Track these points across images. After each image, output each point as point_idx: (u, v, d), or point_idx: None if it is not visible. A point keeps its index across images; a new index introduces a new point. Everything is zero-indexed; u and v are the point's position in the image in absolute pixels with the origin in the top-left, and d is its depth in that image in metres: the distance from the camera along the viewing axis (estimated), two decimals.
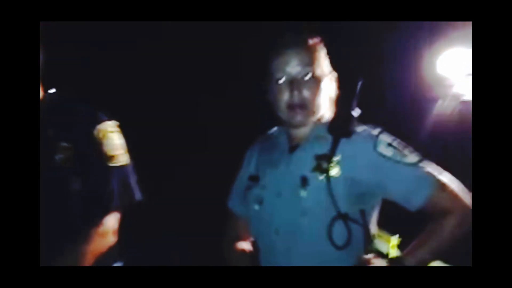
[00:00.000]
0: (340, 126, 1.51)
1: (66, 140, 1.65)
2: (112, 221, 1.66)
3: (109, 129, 1.71)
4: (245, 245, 1.62)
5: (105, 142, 1.68)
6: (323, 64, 1.55)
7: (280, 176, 1.52)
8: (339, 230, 1.43)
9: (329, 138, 1.50)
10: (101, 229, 1.62)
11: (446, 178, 1.47)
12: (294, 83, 1.50)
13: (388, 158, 1.45)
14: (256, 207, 1.54)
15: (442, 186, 1.45)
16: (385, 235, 1.51)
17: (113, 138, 1.70)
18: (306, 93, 1.50)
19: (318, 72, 1.52)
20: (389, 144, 1.48)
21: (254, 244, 1.57)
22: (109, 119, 1.73)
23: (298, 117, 1.51)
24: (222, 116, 4.49)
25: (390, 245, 1.48)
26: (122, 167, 1.71)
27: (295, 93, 1.49)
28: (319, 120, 1.55)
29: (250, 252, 1.56)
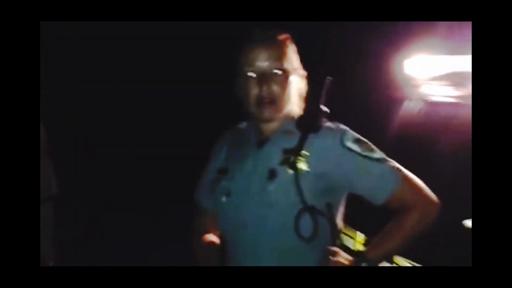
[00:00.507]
0: (308, 122, 1.53)
1: None
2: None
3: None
4: (213, 238, 1.63)
5: None
6: (292, 60, 1.56)
7: (249, 169, 1.53)
8: (305, 223, 1.44)
9: (297, 133, 1.52)
10: None
11: (410, 174, 1.50)
12: (262, 78, 1.50)
13: (355, 153, 1.48)
14: (224, 199, 1.55)
15: (407, 181, 1.48)
16: (350, 231, 1.53)
17: None
18: (274, 88, 1.50)
19: (286, 67, 1.52)
20: (356, 140, 1.51)
21: (221, 237, 1.58)
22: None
23: (267, 112, 1.51)
24: (191, 110, 4.50)
25: (356, 241, 1.50)
26: None
27: (264, 88, 1.50)
28: (287, 115, 1.56)
29: (218, 245, 1.58)
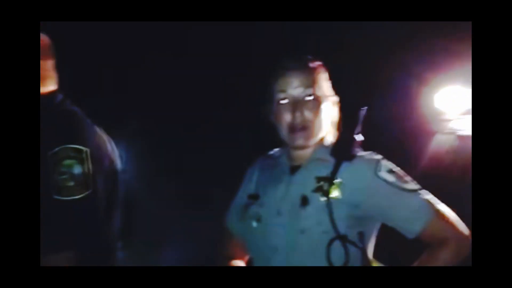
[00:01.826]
0: (342, 150, 1.51)
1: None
2: (58, 261, 1.46)
3: (69, 154, 1.51)
4: (240, 264, 1.62)
5: (57, 169, 1.49)
6: (324, 86, 1.55)
7: (280, 195, 1.52)
8: (337, 252, 1.43)
9: (331, 160, 1.50)
10: None
11: (444, 207, 1.48)
12: (295, 105, 1.50)
13: (389, 184, 1.46)
14: (254, 224, 1.54)
15: (441, 215, 1.46)
16: (377, 263, 1.51)
17: (68, 166, 1.50)
18: (307, 114, 1.50)
19: (318, 94, 1.52)
20: (391, 170, 1.49)
21: (249, 262, 1.57)
22: (80, 144, 1.53)
23: (299, 139, 1.51)
24: (225, 136, 4.49)
25: None
26: (70, 202, 1.48)
27: (297, 114, 1.49)
28: (321, 142, 1.56)
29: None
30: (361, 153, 1.52)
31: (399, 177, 1.49)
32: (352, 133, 1.53)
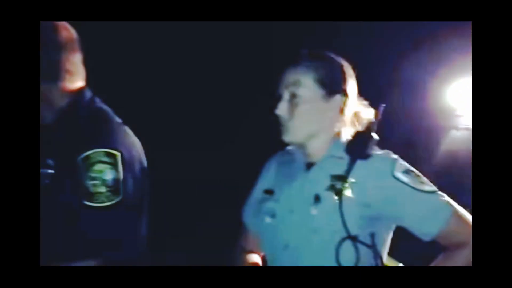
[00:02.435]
0: (358, 147, 1.49)
1: (52, 157, 1.47)
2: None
3: (100, 158, 1.45)
4: (255, 258, 1.61)
5: (88, 174, 1.44)
6: (340, 82, 1.52)
7: (294, 192, 1.51)
8: (347, 252, 1.41)
9: (346, 158, 1.49)
10: None
11: (461, 209, 1.45)
12: (285, 100, 1.49)
13: (405, 184, 1.43)
14: (268, 220, 1.53)
15: (458, 218, 1.43)
16: (392, 262, 1.48)
17: (100, 171, 1.45)
18: (290, 111, 1.48)
19: (309, 93, 1.49)
20: (407, 171, 1.46)
21: (263, 258, 1.56)
22: (111, 147, 1.47)
23: (287, 135, 1.50)
24: (243, 130, 4.46)
25: None
26: (100, 209, 1.44)
27: (282, 109, 1.48)
28: (337, 138, 1.53)
29: (258, 266, 1.56)
30: (377, 151, 1.50)
31: (415, 177, 1.46)
32: (369, 130, 1.51)
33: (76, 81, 1.58)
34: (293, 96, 1.48)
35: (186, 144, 4.57)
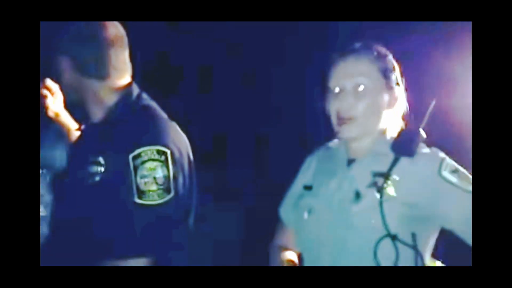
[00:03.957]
0: (404, 144, 1.43)
1: (102, 155, 1.47)
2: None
3: (152, 156, 1.45)
4: (292, 256, 1.59)
5: (139, 172, 1.44)
6: (385, 76, 1.48)
7: (334, 188, 1.47)
8: (386, 251, 1.38)
9: (390, 155, 1.43)
10: None
11: None
12: (344, 94, 1.43)
13: (453, 185, 1.38)
14: (305, 215, 1.49)
15: None
16: (433, 262, 1.44)
17: (151, 169, 1.45)
18: (355, 105, 1.43)
19: (374, 84, 1.45)
20: (455, 170, 1.41)
21: (300, 256, 1.54)
22: (162, 145, 1.46)
23: (344, 131, 1.45)
24: (283, 125, 4.44)
25: None
26: (152, 207, 1.44)
27: (344, 105, 1.43)
28: (382, 134, 1.49)
29: (295, 263, 1.54)
30: (423, 149, 1.45)
31: (463, 178, 1.40)
32: (417, 127, 1.45)
33: (124, 77, 1.59)
34: (358, 87, 1.43)
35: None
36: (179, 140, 1.56)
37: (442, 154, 1.45)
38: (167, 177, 1.45)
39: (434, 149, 1.46)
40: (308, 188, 1.55)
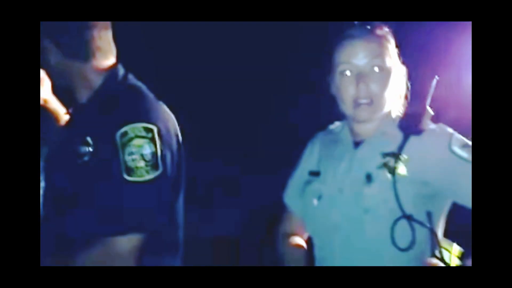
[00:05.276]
0: (411, 123, 1.43)
1: (91, 135, 1.48)
2: (124, 244, 1.43)
3: (138, 133, 1.46)
4: (300, 241, 1.57)
5: (126, 149, 1.44)
6: (392, 56, 1.47)
7: (343, 171, 1.46)
8: (402, 232, 1.37)
9: (398, 134, 1.43)
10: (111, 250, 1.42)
11: None
12: (360, 77, 1.41)
13: (463, 159, 1.37)
14: (315, 202, 1.48)
15: None
16: (447, 243, 1.44)
17: (138, 146, 1.45)
18: (373, 87, 1.41)
19: (386, 64, 1.44)
20: (465, 145, 1.40)
21: (309, 240, 1.53)
22: (149, 122, 1.47)
23: (365, 113, 1.43)
24: (281, 109, 4.41)
25: (452, 254, 1.41)
26: (141, 183, 1.45)
27: (362, 87, 1.41)
28: (387, 115, 1.48)
29: (305, 248, 1.53)
30: (431, 126, 1.44)
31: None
32: (423, 105, 1.45)
33: (109, 58, 1.59)
34: (373, 68, 1.42)
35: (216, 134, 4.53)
36: (167, 118, 1.57)
37: (450, 130, 1.44)
38: (154, 154, 1.46)
39: (442, 125, 1.45)
40: (314, 173, 1.54)
